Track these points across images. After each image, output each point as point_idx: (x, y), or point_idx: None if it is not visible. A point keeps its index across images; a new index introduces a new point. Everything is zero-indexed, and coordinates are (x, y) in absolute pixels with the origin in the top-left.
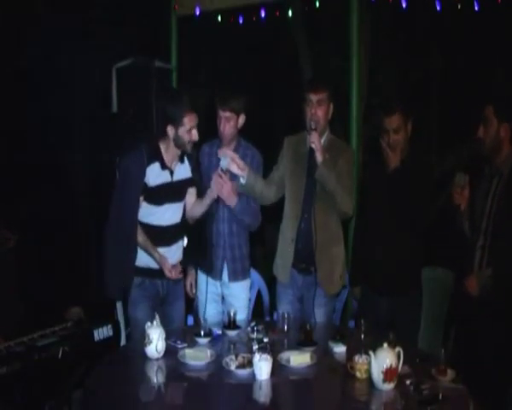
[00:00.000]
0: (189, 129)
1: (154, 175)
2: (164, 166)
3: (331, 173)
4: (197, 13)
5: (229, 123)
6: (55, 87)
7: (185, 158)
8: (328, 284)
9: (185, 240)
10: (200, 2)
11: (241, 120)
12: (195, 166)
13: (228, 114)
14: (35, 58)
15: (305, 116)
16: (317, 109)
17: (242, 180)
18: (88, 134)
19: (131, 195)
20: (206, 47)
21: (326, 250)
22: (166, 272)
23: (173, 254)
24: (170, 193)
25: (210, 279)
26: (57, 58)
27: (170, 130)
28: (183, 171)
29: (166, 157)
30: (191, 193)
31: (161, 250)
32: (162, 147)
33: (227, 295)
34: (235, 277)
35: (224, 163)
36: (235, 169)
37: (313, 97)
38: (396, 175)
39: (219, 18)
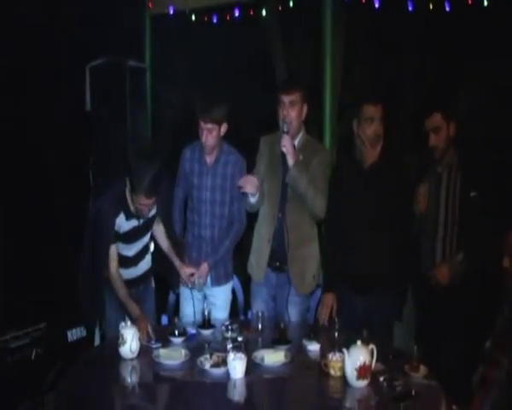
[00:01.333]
0: (139, 203)
1: (123, 223)
2: (129, 217)
3: (302, 177)
4: (171, 12)
5: (212, 134)
6: (27, 86)
7: None
8: (301, 284)
9: (152, 245)
10: (174, 1)
11: (224, 128)
12: (163, 207)
13: (210, 125)
14: (6, 57)
15: (279, 118)
16: (290, 110)
17: (252, 200)
18: (62, 133)
19: (102, 244)
20: (180, 46)
21: (298, 250)
22: (139, 331)
23: (141, 266)
24: (138, 234)
25: None
26: (29, 56)
27: (128, 183)
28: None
29: (132, 206)
30: (157, 221)
31: (130, 270)
32: (128, 196)
33: (209, 295)
34: (218, 281)
35: (199, 286)
36: (249, 189)
37: (285, 99)
38: (373, 172)
39: (193, 17)
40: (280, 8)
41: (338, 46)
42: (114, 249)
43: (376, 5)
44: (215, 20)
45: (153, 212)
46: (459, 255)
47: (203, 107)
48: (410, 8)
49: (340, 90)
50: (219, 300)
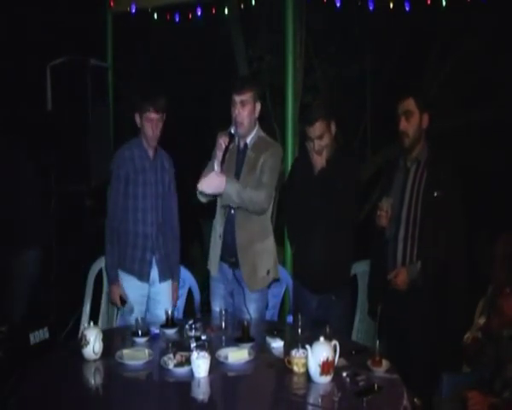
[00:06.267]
0: None
1: None
2: None
3: (232, 192)
4: (133, 10)
5: (159, 124)
6: None
7: None
8: (252, 281)
9: None
10: (135, 0)
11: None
12: None
13: (156, 115)
14: None
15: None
16: (241, 110)
17: (203, 199)
18: (23, 132)
19: None
20: (142, 45)
21: (249, 248)
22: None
23: None
24: None
25: (138, 282)
26: None
27: None
28: None
29: None
30: None
31: None
32: None
33: (155, 294)
34: (164, 277)
35: None
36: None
37: (237, 98)
38: (322, 176)
39: (155, 16)
40: (242, 6)
41: (299, 45)
42: None
43: (338, 4)
44: (177, 19)
45: None
46: (418, 263)
47: (152, 97)
48: (370, 8)
49: (302, 90)
50: (164, 296)
